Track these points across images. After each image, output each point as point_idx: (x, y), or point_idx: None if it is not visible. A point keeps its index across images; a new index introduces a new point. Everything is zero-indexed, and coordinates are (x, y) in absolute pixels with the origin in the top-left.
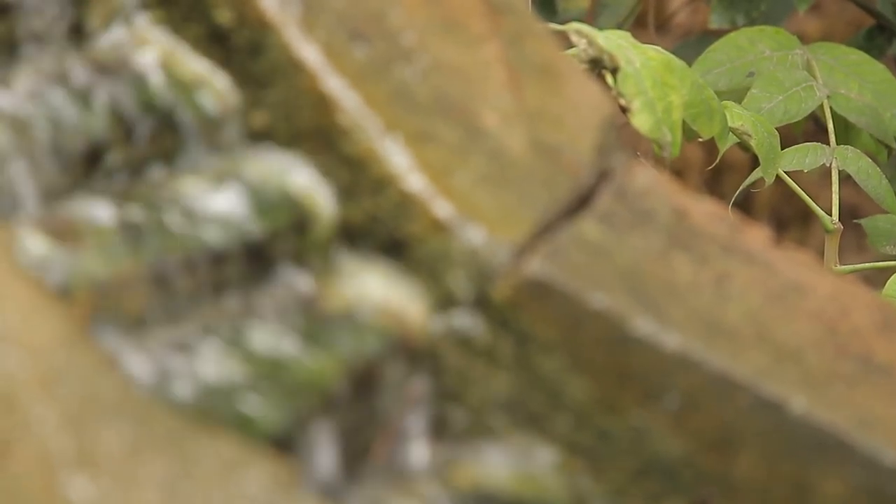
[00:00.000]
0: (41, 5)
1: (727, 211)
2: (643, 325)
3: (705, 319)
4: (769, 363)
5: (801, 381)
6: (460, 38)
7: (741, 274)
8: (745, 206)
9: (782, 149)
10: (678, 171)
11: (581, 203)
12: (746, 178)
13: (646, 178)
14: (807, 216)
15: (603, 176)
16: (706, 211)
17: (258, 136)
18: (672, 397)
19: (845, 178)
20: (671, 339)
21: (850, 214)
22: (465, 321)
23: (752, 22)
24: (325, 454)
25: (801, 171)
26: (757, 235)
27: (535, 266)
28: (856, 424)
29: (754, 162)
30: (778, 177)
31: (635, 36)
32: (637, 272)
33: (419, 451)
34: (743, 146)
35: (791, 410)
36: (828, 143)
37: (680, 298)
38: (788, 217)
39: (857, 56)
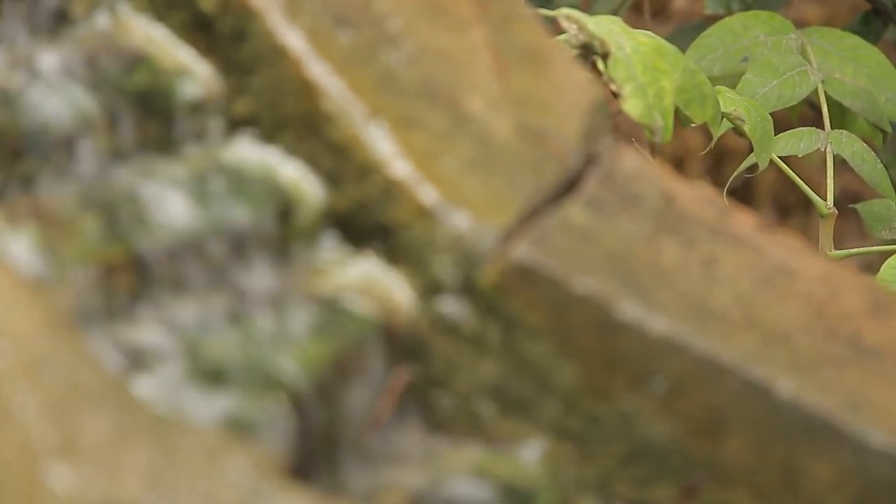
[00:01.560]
0: None
1: (719, 195)
2: (630, 309)
3: (693, 303)
4: (757, 346)
5: (790, 364)
6: (447, 23)
7: (729, 257)
8: (747, 193)
9: (778, 134)
10: (679, 159)
11: (568, 188)
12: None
13: (633, 162)
14: (809, 203)
15: (590, 160)
16: (694, 195)
17: (243, 123)
18: (660, 381)
19: (847, 164)
20: (658, 324)
21: (852, 200)
22: (452, 307)
23: (747, 8)
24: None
25: (804, 157)
26: (745, 219)
27: (522, 251)
28: (844, 407)
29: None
30: (777, 164)
31: (631, 23)
32: (624, 256)
33: (406, 438)
34: (738, 131)
35: (779, 394)
36: (823, 129)
37: (667, 282)
38: (791, 204)
39: (852, 40)
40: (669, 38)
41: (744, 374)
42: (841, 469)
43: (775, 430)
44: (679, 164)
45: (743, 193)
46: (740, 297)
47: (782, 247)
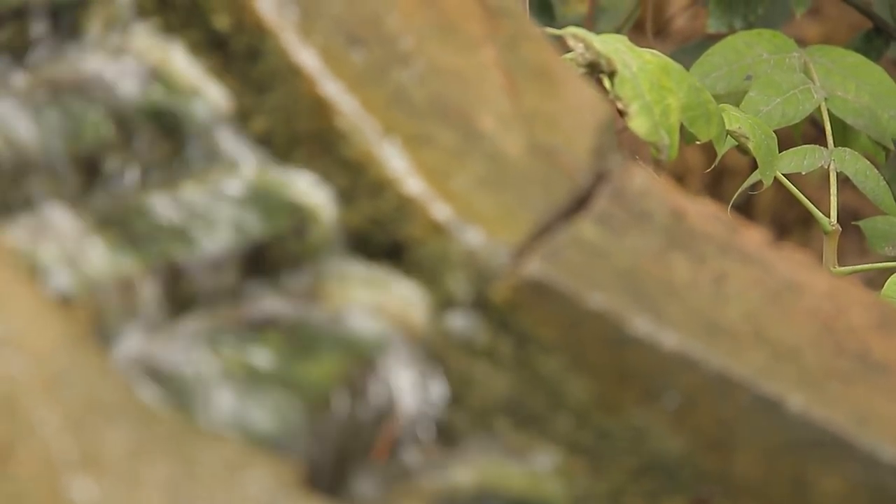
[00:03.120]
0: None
1: (725, 211)
2: (642, 324)
3: (703, 319)
4: (767, 362)
5: (799, 379)
6: (457, 41)
7: (739, 273)
8: (747, 210)
9: (782, 152)
10: (679, 176)
11: (579, 204)
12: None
13: (643, 179)
14: (808, 220)
15: (600, 177)
16: (703, 211)
17: (257, 141)
18: (671, 396)
19: (846, 181)
20: (669, 339)
21: (851, 218)
22: (465, 323)
23: (749, 26)
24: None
25: (803, 176)
26: (753, 235)
27: (534, 267)
28: (854, 421)
29: (754, 166)
30: (779, 180)
31: (633, 41)
32: (635, 272)
33: (420, 452)
34: (742, 149)
35: (789, 408)
36: (826, 146)
37: (678, 298)
38: (790, 221)
39: (855, 58)
40: (671, 58)
41: (754, 388)
42: (850, 483)
43: (785, 444)
44: (679, 181)
45: (743, 211)
46: (749, 312)
47: (790, 263)
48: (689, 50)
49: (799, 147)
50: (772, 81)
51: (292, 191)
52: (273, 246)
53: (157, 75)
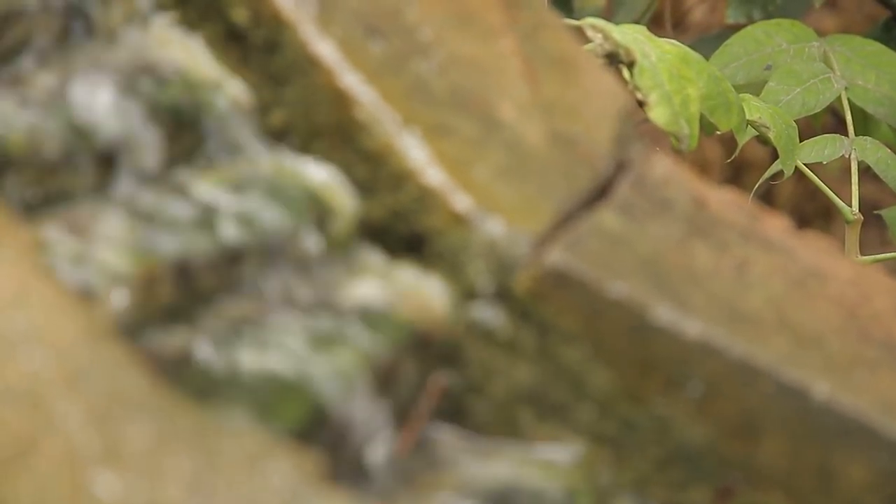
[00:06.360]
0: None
1: (746, 199)
2: (664, 313)
3: (726, 306)
4: (791, 349)
5: (824, 366)
6: (476, 31)
7: (761, 261)
8: (766, 203)
9: (802, 142)
10: (698, 170)
11: (600, 193)
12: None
13: (664, 167)
14: (828, 214)
15: (621, 166)
16: (724, 199)
17: (276, 134)
18: (695, 385)
19: (864, 174)
20: (693, 327)
21: (870, 211)
22: (487, 313)
23: (768, 16)
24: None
25: (822, 168)
26: (775, 223)
27: (556, 256)
28: (879, 409)
29: (773, 158)
30: (798, 174)
31: (652, 34)
32: (657, 261)
33: (443, 445)
34: (762, 140)
35: (814, 396)
36: (847, 136)
37: (701, 286)
38: (810, 214)
39: (874, 47)
40: (690, 48)
41: (778, 376)
42: (876, 471)
43: (810, 432)
44: (698, 175)
45: (762, 204)
46: (773, 300)
47: (813, 250)
48: (707, 41)
49: (820, 136)
50: (792, 71)
51: (312, 183)
52: (294, 239)
53: (177, 69)
